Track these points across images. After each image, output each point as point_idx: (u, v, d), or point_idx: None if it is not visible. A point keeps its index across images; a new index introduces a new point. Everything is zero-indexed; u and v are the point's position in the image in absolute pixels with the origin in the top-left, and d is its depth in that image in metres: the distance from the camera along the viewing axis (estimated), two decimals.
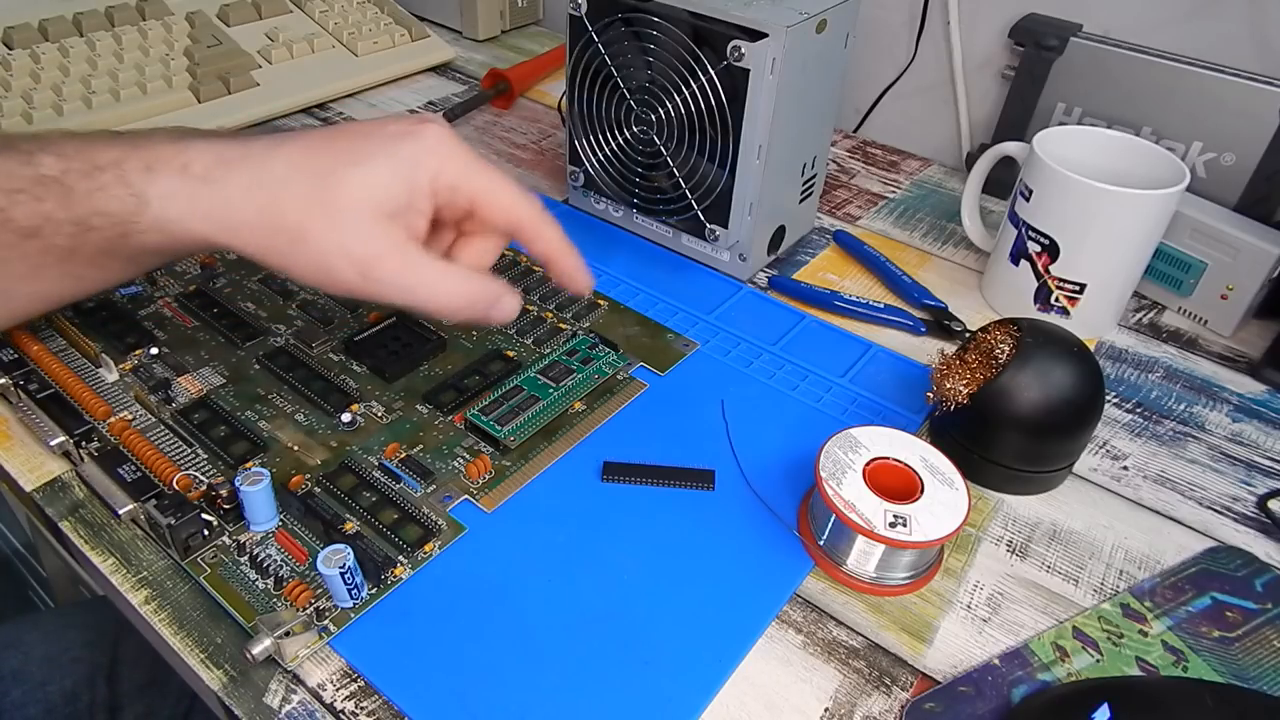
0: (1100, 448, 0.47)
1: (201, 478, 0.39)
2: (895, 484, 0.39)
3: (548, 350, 0.48)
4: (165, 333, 0.48)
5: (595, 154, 0.57)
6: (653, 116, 0.53)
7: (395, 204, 0.36)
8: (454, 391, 0.45)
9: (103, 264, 0.38)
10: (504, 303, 0.38)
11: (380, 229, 0.35)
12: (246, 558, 0.37)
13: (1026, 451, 0.42)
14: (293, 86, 0.73)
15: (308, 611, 0.35)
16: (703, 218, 0.54)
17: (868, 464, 0.39)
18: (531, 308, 0.51)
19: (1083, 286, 0.52)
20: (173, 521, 0.36)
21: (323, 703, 0.33)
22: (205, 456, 0.41)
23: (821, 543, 0.39)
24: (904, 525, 0.36)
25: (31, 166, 0.35)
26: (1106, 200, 0.48)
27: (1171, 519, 0.43)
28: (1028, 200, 0.52)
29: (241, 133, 0.70)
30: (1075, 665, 0.36)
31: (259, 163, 0.35)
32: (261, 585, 0.36)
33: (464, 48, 0.88)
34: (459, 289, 0.37)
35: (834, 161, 0.73)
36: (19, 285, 0.38)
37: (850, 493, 0.37)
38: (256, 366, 0.46)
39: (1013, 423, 0.41)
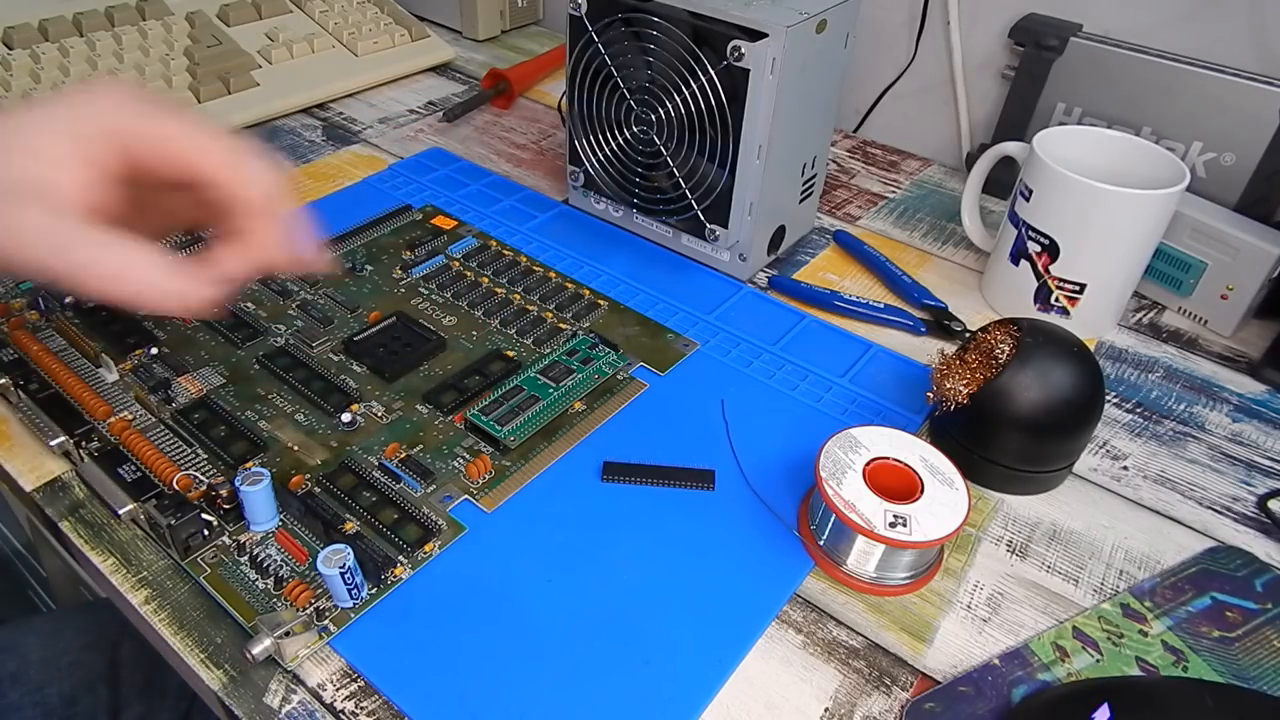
0: (1100, 448, 0.47)
1: (201, 478, 0.39)
2: (895, 484, 0.39)
3: (548, 350, 0.48)
4: (165, 333, 0.48)
5: (595, 154, 0.57)
6: (653, 116, 0.53)
7: (67, 179, 0.32)
8: (454, 391, 0.45)
9: None
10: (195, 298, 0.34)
11: (44, 212, 0.32)
12: (246, 558, 0.37)
13: (1026, 451, 0.42)
14: (293, 86, 0.73)
15: (308, 611, 0.35)
16: (703, 218, 0.54)
17: (868, 464, 0.39)
18: (531, 308, 0.51)
19: (1083, 286, 0.52)
20: (173, 521, 0.36)
21: (323, 703, 0.33)
22: (205, 456, 0.41)
23: (821, 543, 0.39)
24: (904, 525, 0.36)
25: None
26: (1106, 200, 0.48)
27: (1171, 519, 0.43)
28: (1028, 200, 0.52)
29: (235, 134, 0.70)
30: (1075, 665, 0.36)
31: None
32: (261, 585, 0.36)
33: (464, 48, 0.88)
34: (140, 278, 0.33)
35: (834, 161, 0.73)
36: None
37: (850, 493, 0.37)
38: (256, 366, 0.46)
39: (1013, 423, 0.41)
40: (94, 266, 0.32)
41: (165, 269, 0.33)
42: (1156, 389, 0.51)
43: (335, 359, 0.47)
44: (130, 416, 0.43)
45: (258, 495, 0.37)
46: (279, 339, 0.48)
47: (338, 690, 0.33)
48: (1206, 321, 0.56)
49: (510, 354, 0.48)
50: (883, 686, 0.35)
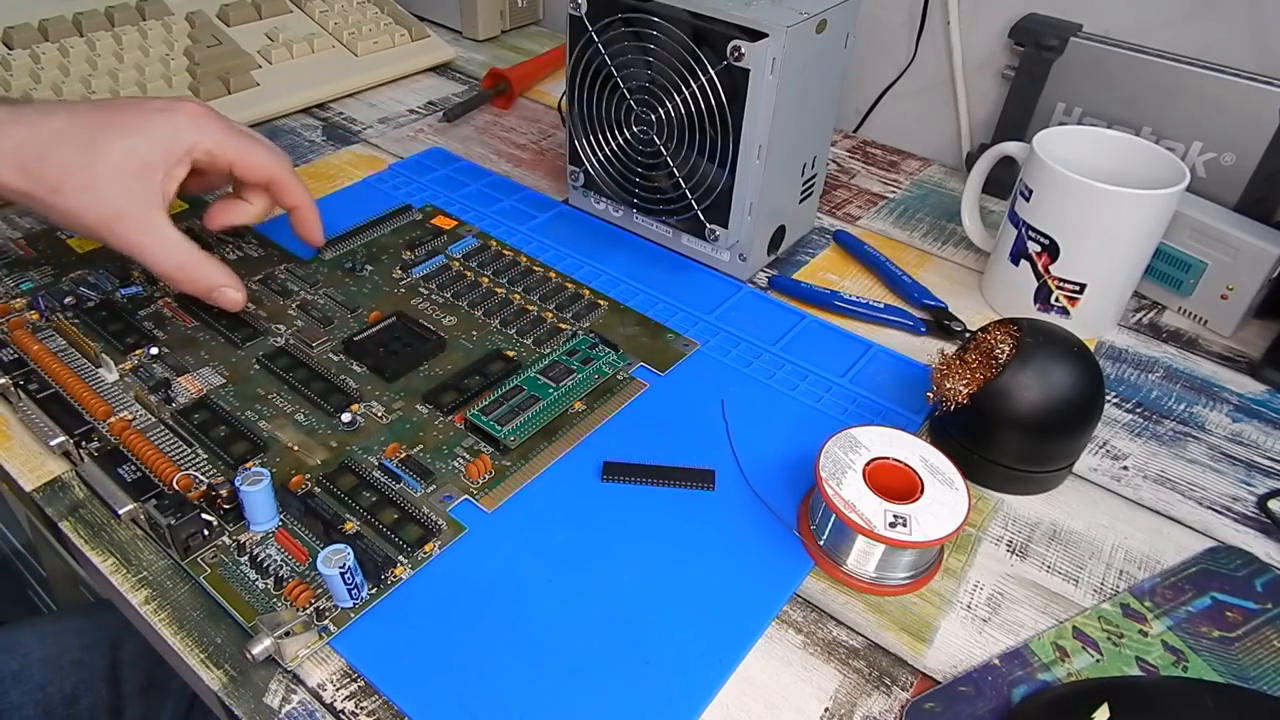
0: (1100, 448, 0.47)
1: (201, 478, 0.39)
2: (895, 484, 0.39)
3: (548, 350, 0.48)
4: (165, 333, 0.48)
5: (595, 154, 0.57)
6: (653, 116, 0.53)
7: (148, 171, 0.43)
8: (454, 391, 0.45)
9: None
10: (224, 294, 0.46)
11: (128, 193, 0.43)
12: (246, 558, 0.37)
13: (1026, 451, 0.42)
14: (293, 86, 0.73)
15: (308, 611, 0.35)
16: (703, 218, 0.54)
17: (868, 464, 0.39)
18: (531, 308, 0.51)
19: (1083, 286, 0.52)
20: (173, 521, 0.36)
21: (323, 703, 0.33)
22: (205, 456, 0.41)
23: (821, 543, 0.39)
24: (904, 525, 0.36)
25: None
26: (1106, 200, 0.48)
27: (1171, 519, 0.43)
28: (1028, 200, 0.52)
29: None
30: (1075, 665, 0.36)
31: (32, 125, 0.42)
32: (261, 585, 0.36)
33: (464, 48, 0.88)
34: (182, 263, 0.45)
35: (834, 161, 0.73)
36: None
37: (850, 493, 0.37)
38: (256, 366, 0.46)
39: (1013, 423, 0.41)
40: (185, 270, 0.45)
41: (227, 275, 0.47)
42: (1156, 389, 0.51)
43: (335, 359, 0.47)
44: (130, 416, 0.43)
45: (258, 495, 0.37)
46: (279, 339, 0.48)
47: (338, 690, 0.33)
48: (1206, 321, 0.56)
49: (510, 354, 0.48)
50: (883, 686, 0.35)
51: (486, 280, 0.54)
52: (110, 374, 0.45)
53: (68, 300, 0.49)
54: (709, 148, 0.51)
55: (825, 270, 0.59)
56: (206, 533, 0.37)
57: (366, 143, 0.70)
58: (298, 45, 0.76)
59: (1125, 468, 0.46)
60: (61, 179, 0.42)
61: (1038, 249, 0.52)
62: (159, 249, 0.44)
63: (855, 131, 0.79)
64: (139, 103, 0.45)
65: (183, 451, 0.41)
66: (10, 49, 0.67)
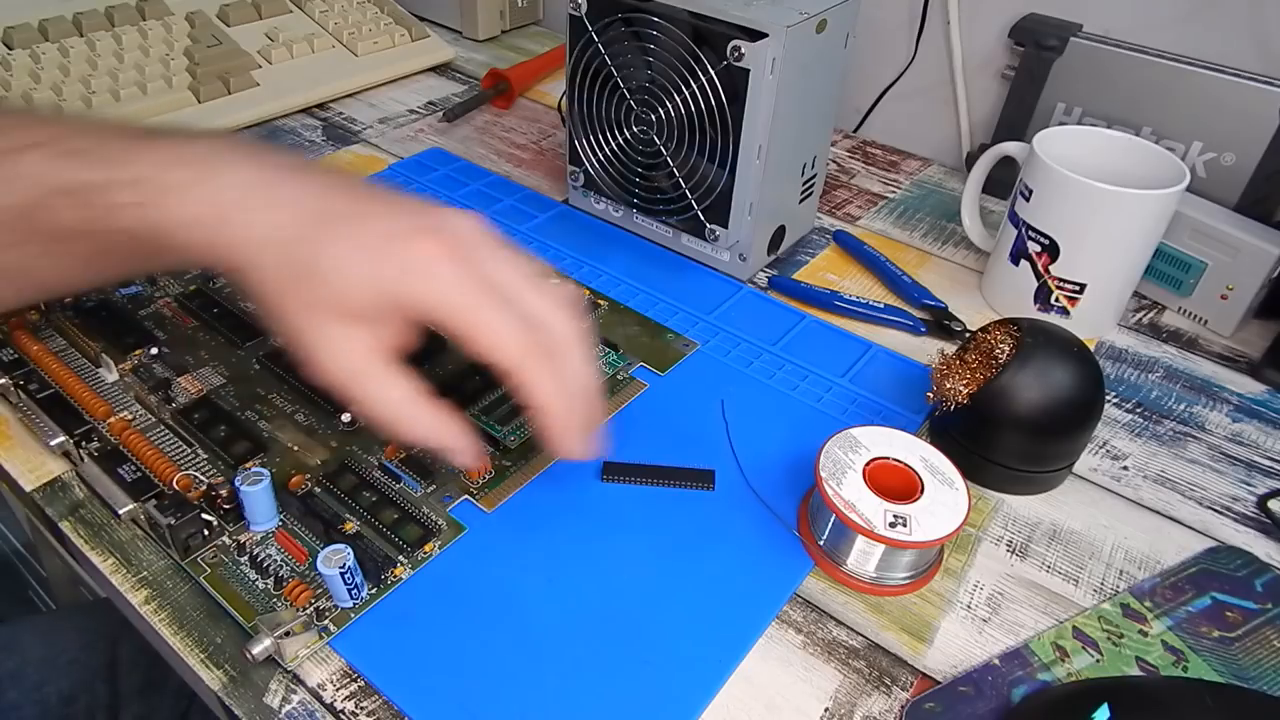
0: (1100, 448, 0.47)
1: (201, 478, 0.39)
2: (895, 484, 0.39)
3: None
4: (165, 333, 0.48)
5: (595, 154, 0.57)
6: (653, 116, 0.53)
7: (362, 315, 0.33)
8: (454, 392, 0.45)
9: (124, 264, 0.38)
10: (459, 458, 0.36)
11: (340, 335, 0.33)
12: (246, 558, 0.37)
13: (1026, 451, 0.42)
14: (293, 86, 0.73)
15: (308, 611, 0.35)
16: (703, 218, 0.54)
17: (868, 464, 0.39)
18: None
19: (1083, 286, 0.52)
20: (173, 521, 0.36)
21: (323, 703, 0.33)
22: (205, 456, 0.41)
23: (821, 543, 0.39)
24: (904, 525, 0.36)
25: (73, 166, 0.34)
26: (1106, 200, 0.48)
27: (1171, 519, 0.43)
28: (1028, 200, 0.52)
29: (241, 134, 0.70)
30: (1075, 665, 0.36)
31: (269, 214, 0.34)
32: (261, 585, 0.36)
33: (464, 48, 0.88)
34: (410, 420, 0.35)
35: (834, 161, 0.73)
36: (50, 280, 0.38)
37: (850, 493, 0.37)
38: (256, 366, 0.46)
39: (1013, 423, 0.41)
40: (397, 404, 0.34)
41: (435, 419, 0.35)
42: (1156, 389, 0.51)
43: None
44: (130, 416, 0.43)
45: (258, 495, 0.37)
46: (279, 339, 0.48)
47: (338, 690, 0.33)
48: (1206, 321, 0.56)
49: None
50: (883, 686, 0.35)
51: None
52: (110, 374, 0.45)
53: (67, 300, 0.49)
54: (709, 148, 0.51)
55: (825, 270, 0.59)
56: (206, 533, 0.37)
57: (366, 143, 0.70)
58: (298, 45, 0.76)
59: (1125, 468, 0.46)
60: (281, 304, 0.34)
61: (1038, 249, 0.52)
62: (385, 406, 0.34)
63: (855, 131, 0.79)
64: (389, 210, 0.34)
65: (183, 451, 0.41)
66: (10, 49, 0.67)
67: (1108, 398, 0.48)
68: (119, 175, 0.34)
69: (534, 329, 0.34)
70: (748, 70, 0.47)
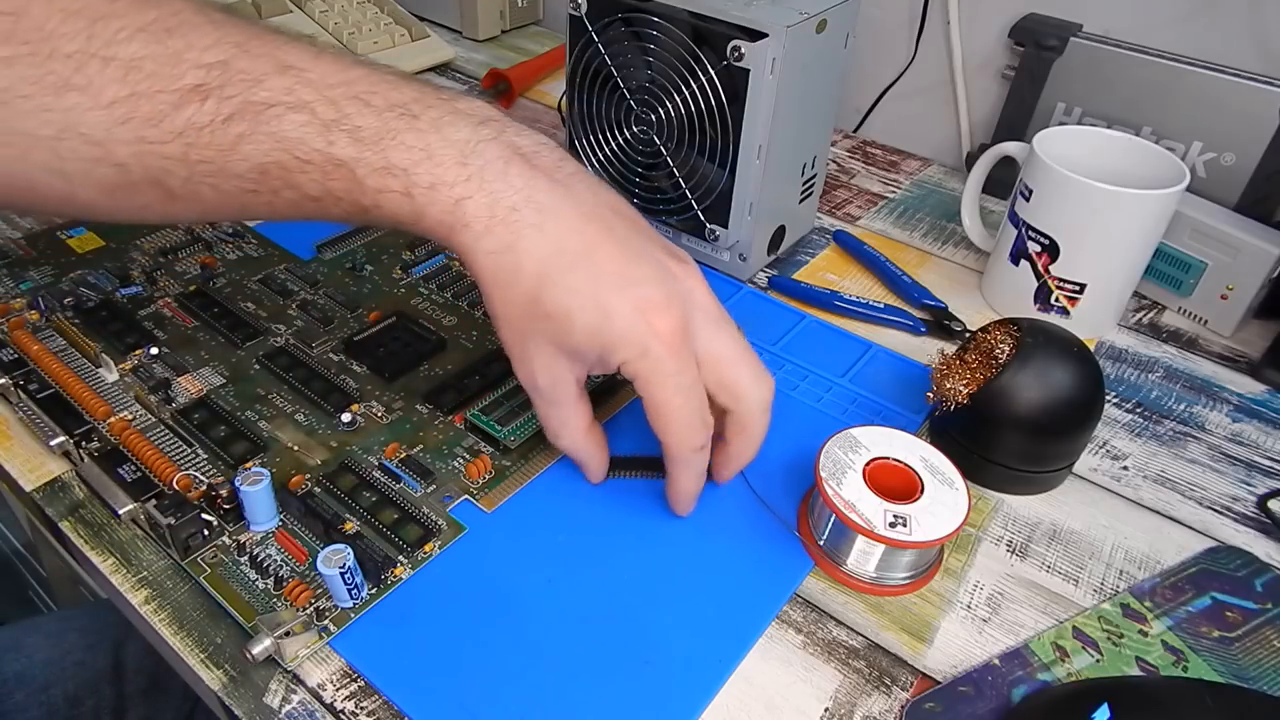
0: (1100, 448, 0.47)
1: (201, 478, 0.39)
2: (895, 484, 0.39)
3: None
4: (165, 333, 0.48)
5: (595, 154, 0.57)
6: (653, 116, 0.53)
7: (574, 354, 0.35)
8: (454, 391, 0.45)
9: (339, 217, 0.37)
10: (592, 478, 0.41)
11: (549, 361, 0.35)
12: (246, 558, 0.37)
13: (1026, 451, 0.42)
14: None
15: (308, 611, 0.35)
16: (703, 218, 0.54)
17: (868, 464, 0.39)
18: None
19: (1083, 286, 0.52)
20: (173, 521, 0.36)
21: (323, 703, 0.33)
22: (205, 456, 0.41)
23: (821, 543, 0.39)
24: (904, 525, 0.36)
25: (325, 141, 0.33)
26: (1106, 200, 0.48)
27: (1171, 519, 0.43)
28: (1028, 200, 0.52)
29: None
30: (1075, 665, 0.36)
31: (556, 236, 0.34)
32: (261, 585, 0.36)
33: (464, 48, 0.88)
34: (572, 443, 0.39)
35: (834, 161, 0.73)
36: (275, 215, 0.37)
37: (850, 493, 0.37)
38: (256, 366, 0.46)
39: (1013, 423, 0.41)
40: (563, 430, 0.38)
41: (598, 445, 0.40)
42: (1156, 389, 0.51)
43: (335, 359, 0.47)
44: (130, 416, 0.43)
45: (258, 495, 0.37)
46: (279, 339, 0.48)
47: (338, 690, 0.33)
48: (1206, 321, 0.56)
49: None
50: (883, 686, 0.35)
51: None
52: (110, 374, 0.45)
53: (68, 300, 0.49)
54: (709, 148, 0.51)
55: (825, 270, 0.59)
56: (206, 533, 0.37)
57: None
58: None
59: (1125, 468, 0.46)
60: (505, 318, 0.35)
61: (1038, 249, 0.52)
62: (560, 430, 0.38)
63: (855, 131, 0.79)
64: (636, 259, 0.35)
65: (183, 451, 0.41)
66: None
67: (1108, 398, 0.48)
68: (375, 161, 0.34)
69: (722, 407, 0.37)
70: (748, 70, 0.47)
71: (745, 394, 0.37)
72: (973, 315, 0.55)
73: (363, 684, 0.34)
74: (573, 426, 0.38)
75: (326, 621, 0.35)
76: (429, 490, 0.40)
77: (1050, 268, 0.52)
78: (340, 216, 0.36)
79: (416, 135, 0.34)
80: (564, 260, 0.34)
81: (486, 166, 0.34)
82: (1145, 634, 0.37)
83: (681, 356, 0.35)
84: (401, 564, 0.37)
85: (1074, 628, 0.37)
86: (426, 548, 0.38)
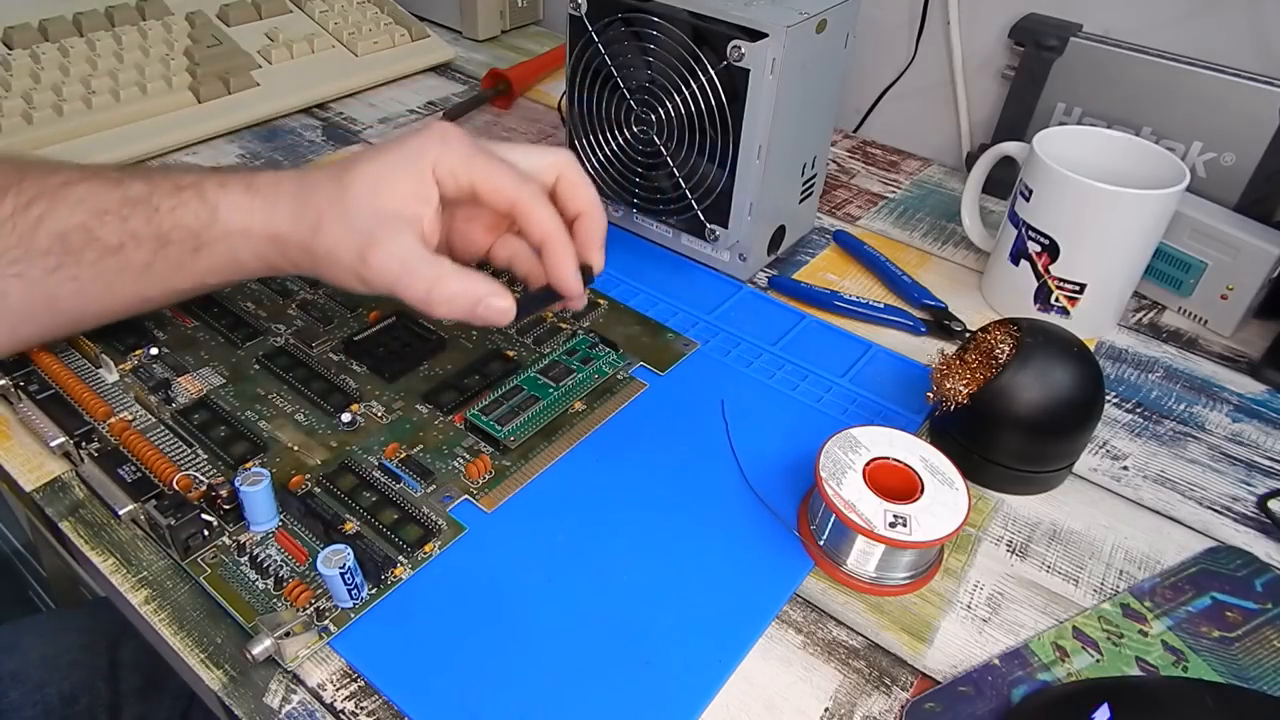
0: (1100, 448, 0.47)
1: (201, 478, 0.39)
2: (895, 484, 0.39)
3: (548, 350, 0.48)
4: (165, 333, 0.48)
5: (595, 154, 0.57)
6: (653, 116, 0.53)
7: (399, 194, 0.38)
8: (454, 391, 0.45)
9: (170, 282, 0.41)
10: (490, 306, 0.38)
11: (380, 218, 0.38)
12: (246, 558, 0.37)
13: (1026, 451, 0.42)
14: (293, 86, 0.73)
15: (308, 611, 0.35)
16: (703, 218, 0.54)
17: (868, 464, 0.39)
18: None
19: (1083, 286, 0.52)
20: (173, 522, 0.36)
21: (323, 703, 0.33)
22: (205, 457, 0.41)
23: (821, 543, 0.39)
24: (904, 525, 0.36)
25: (120, 190, 0.39)
26: (1106, 200, 0.48)
27: (1171, 519, 0.43)
28: (1028, 200, 0.52)
29: (241, 132, 0.70)
30: (1075, 665, 0.36)
31: (302, 175, 0.40)
32: (261, 585, 0.36)
33: (464, 48, 0.88)
34: (433, 282, 0.37)
35: (834, 161, 0.73)
36: (90, 306, 0.42)
37: (850, 493, 0.37)
38: (256, 366, 0.46)
39: (1013, 423, 0.41)
40: (438, 287, 0.37)
41: (488, 284, 0.38)
42: (1156, 389, 0.51)
43: (335, 359, 0.47)
44: (130, 417, 0.43)
45: (258, 495, 0.37)
46: (279, 339, 0.48)
47: (338, 690, 0.33)
48: (1206, 321, 0.56)
49: (510, 354, 0.48)
50: (883, 686, 0.35)
51: None
52: (110, 374, 0.45)
53: None
54: (709, 148, 0.51)
55: (825, 270, 0.59)
56: (206, 533, 0.37)
57: (367, 143, 0.70)
58: (298, 45, 0.76)
59: (1125, 468, 0.46)
60: (318, 217, 0.38)
61: (1038, 249, 0.52)
62: (409, 272, 0.37)
63: (855, 131, 0.79)
64: (398, 138, 0.40)
65: (183, 452, 0.41)
66: (10, 49, 0.67)
67: (1108, 398, 0.48)
68: (166, 187, 0.40)
69: (526, 178, 0.40)
70: (748, 70, 0.47)
71: (532, 168, 0.41)
72: (973, 315, 0.55)
73: (363, 684, 0.34)
74: (445, 267, 0.38)
75: (326, 622, 0.35)
76: (429, 490, 0.40)
77: (1050, 268, 0.52)
78: (139, 264, 0.40)
79: (201, 168, 0.42)
80: (347, 162, 0.39)
81: (263, 166, 0.42)
82: (1145, 634, 0.37)
83: (466, 139, 0.39)
84: (401, 564, 0.37)
85: (1074, 628, 0.37)
86: (426, 548, 0.38)
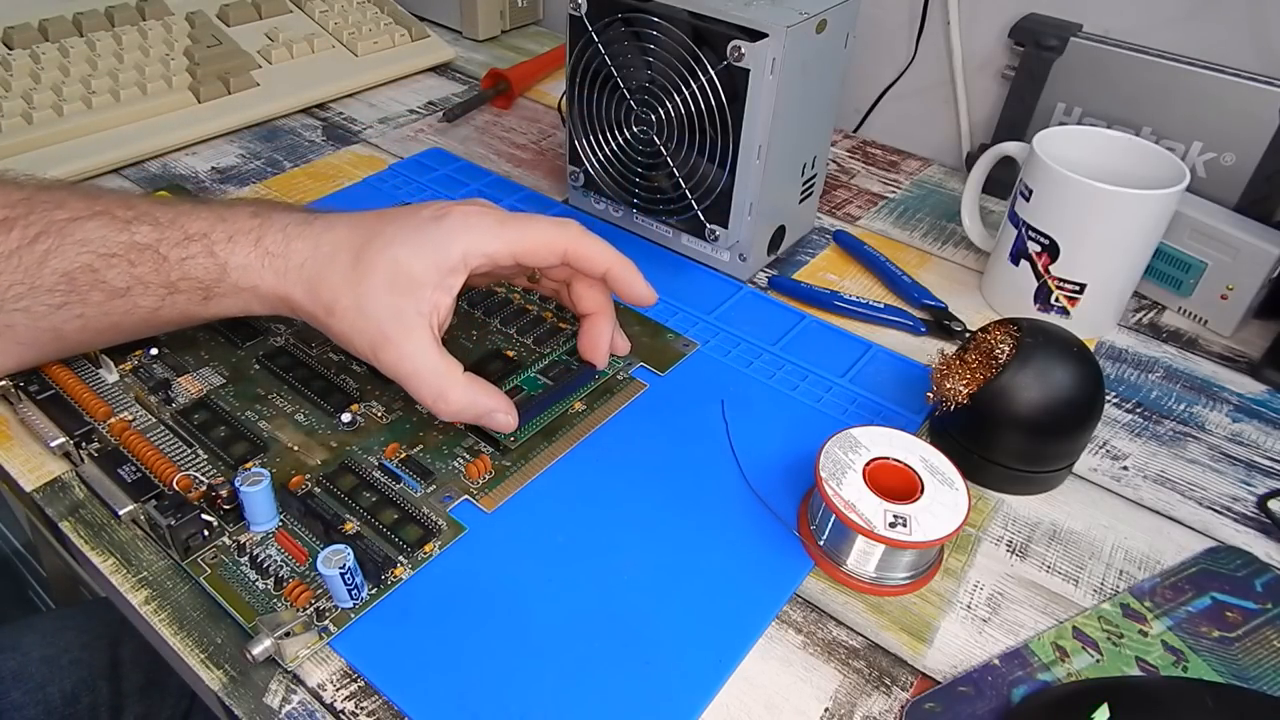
0: (1100, 448, 0.47)
1: (201, 478, 0.39)
2: (895, 484, 0.39)
3: (548, 350, 0.48)
4: (165, 334, 0.48)
5: (595, 154, 0.57)
6: (653, 116, 0.53)
7: (414, 288, 0.38)
8: None
9: (179, 322, 0.42)
10: (494, 418, 0.40)
11: (392, 313, 0.38)
12: (246, 558, 0.37)
13: (1026, 451, 0.42)
14: (293, 86, 0.73)
15: (308, 612, 0.35)
16: (703, 218, 0.54)
17: (868, 464, 0.39)
18: (531, 308, 0.51)
19: (1083, 286, 0.52)
20: (173, 522, 0.36)
21: (323, 703, 0.33)
22: (205, 457, 0.41)
23: (821, 543, 0.39)
24: (904, 525, 0.36)
25: (128, 234, 0.39)
26: (1106, 200, 0.48)
27: (1171, 519, 0.43)
28: (1028, 200, 0.52)
29: (246, 131, 0.70)
30: (1075, 665, 0.36)
31: (315, 238, 0.39)
32: (261, 585, 0.36)
33: (464, 48, 0.88)
34: (441, 391, 0.38)
35: (834, 161, 0.73)
36: (98, 339, 0.42)
37: (850, 493, 0.37)
38: (256, 366, 0.46)
39: (1013, 423, 0.41)
40: (443, 400, 0.38)
41: (491, 399, 0.40)
42: (1156, 389, 0.51)
43: (335, 359, 0.47)
44: (130, 417, 0.43)
45: (258, 495, 0.37)
46: (279, 339, 0.48)
47: (338, 690, 0.33)
48: (1206, 321, 0.56)
49: (510, 354, 0.48)
50: (883, 686, 0.35)
51: None
52: (110, 374, 0.45)
53: None
54: (709, 148, 0.51)
55: (825, 270, 0.59)
56: (206, 533, 0.37)
57: (366, 143, 0.70)
58: (298, 45, 0.76)
59: (1125, 468, 0.46)
60: (333, 300, 0.38)
61: (1038, 249, 0.52)
62: (418, 377, 0.38)
63: (855, 131, 0.79)
64: (411, 211, 0.40)
65: (183, 452, 0.41)
66: (10, 49, 0.67)
67: (1108, 398, 0.48)
68: (175, 236, 0.39)
69: (565, 223, 0.41)
70: (748, 70, 0.47)
71: (553, 240, 0.41)
72: (973, 315, 0.55)
73: (363, 684, 0.34)
74: (454, 378, 0.39)
75: (327, 622, 0.35)
76: (429, 490, 0.40)
77: (1050, 268, 0.52)
78: (146, 310, 0.40)
79: (208, 209, 0.40)
80: (369, 228, 0.39)
81: (274, 211, 0.40)
82: (1145, 634, 0.37)
83: (492, 211, 0.40)
84: (401, 564, 0.37)
85: (1074, 628, 0.37)
86: (426, 548, 0.38)
